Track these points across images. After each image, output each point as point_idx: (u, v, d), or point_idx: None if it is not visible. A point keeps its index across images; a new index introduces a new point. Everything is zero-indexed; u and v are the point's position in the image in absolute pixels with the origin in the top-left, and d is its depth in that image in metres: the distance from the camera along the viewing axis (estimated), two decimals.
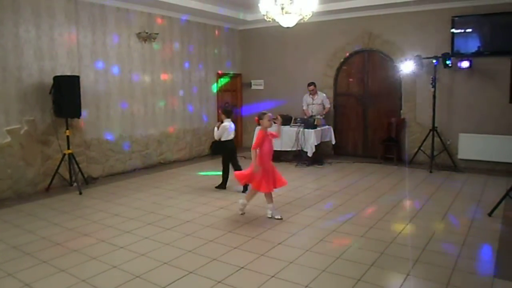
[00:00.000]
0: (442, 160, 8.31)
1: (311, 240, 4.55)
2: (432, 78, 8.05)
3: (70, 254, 4.26)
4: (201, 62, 10.11)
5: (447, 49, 8.11)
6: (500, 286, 3.48)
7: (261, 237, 4.67)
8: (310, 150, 8.49)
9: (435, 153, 8.16)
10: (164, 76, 9.08)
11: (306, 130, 8.52)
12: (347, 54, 9.60)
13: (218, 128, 6.92)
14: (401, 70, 8.65)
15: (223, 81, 10.96)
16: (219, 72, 10.72)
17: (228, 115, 6.99)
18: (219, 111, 7.03)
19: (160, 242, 4.56)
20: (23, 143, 6.59)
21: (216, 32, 10.53)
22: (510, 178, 7.13)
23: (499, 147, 7.87)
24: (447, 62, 7.90)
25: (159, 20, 8.85)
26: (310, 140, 8.44)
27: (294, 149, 8.73)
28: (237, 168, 6.80)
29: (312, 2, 6.28)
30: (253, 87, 11.26)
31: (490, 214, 5.27)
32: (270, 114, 5.52)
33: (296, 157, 8.92)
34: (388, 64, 9.16)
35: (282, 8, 6.15)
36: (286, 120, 9.23)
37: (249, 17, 10.29)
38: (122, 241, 4.58)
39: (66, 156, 6.87)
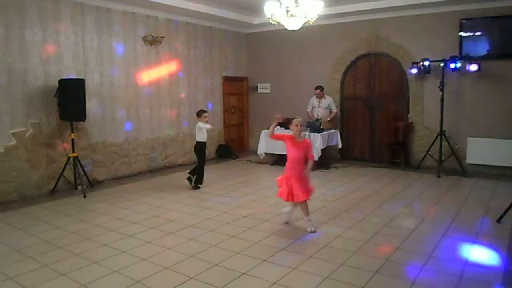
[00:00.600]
0: (450, 164, 8.20)
1: (316, 245, 4.48)
2: (440, 81, 7.95)
3: (72, 258, 4.23)
4: (207, 65, 10.10)
5: (455, 52, 8.01)
6: None
7: (264, 243, 4.60)
8: (316, 154, 8.39)
9: (443, 157, 8.05)
10: (169, 80, 9.07)
11: (312, 134, 8.45)
12: (354, 57, 9.53)
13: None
14: (409, 73, 8.56)
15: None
16: (225, 75, 10.70)
17: (198, 116, 7.27)
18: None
19: (162, 246, 4.51)
20: (28, 146, 6.61)
21: (222, 36, 10.51)
22: None
23: (509, 152, 7.73)
24: (455, 65, 7.80)
25: (165, 24, 8.84)
26: (316, 144, 8.36)
27: None
28: (198, 170, 7.26)
29: (317, 5, 6.24)
30: (260, 90, 11.23)
31: (498, 221, 5.16)
32: (299, 119, 5.00)
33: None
34: (395, 68, 9.07)
35: (287, 11, 6.12)
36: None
37: (256, 20, 10.27)
38: (124, 246, 4.55)
39: (71, 160, 6.87)
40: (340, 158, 9.73)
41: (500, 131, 7.86)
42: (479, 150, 8.06)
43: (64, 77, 6.87)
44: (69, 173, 7.02)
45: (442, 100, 7.98)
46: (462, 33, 8.03)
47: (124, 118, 8.16)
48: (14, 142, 6.43)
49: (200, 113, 7.24)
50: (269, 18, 6.37)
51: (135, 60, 8.28)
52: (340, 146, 9.24)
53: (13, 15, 6.32)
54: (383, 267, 3.91)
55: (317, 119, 8.93)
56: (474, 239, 4.63)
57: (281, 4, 6.21)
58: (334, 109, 9.27)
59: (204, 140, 7.21)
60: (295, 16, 6.14)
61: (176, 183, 7.63)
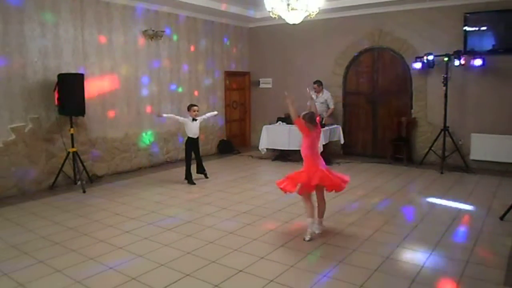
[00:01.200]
0: (454, 160, 8.09)
1: (315, 242, 4.42)
2: (443, 76, 7.84)
3: (68, 254, 4.19)
4: (209, 60, 10.03)
5: (460, 47, 7.88)
6: None
7: (263, 239, 4.55)
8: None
9: (446, 153, 7.95)
10: (170, 75, 9.01)
11: None
12: (357, 52, 9.42)
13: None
14: (412, 68, 8.46)
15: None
16: (227, 70, 10.62)
17: (188, 110, 7.26)
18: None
19: (159, 243, 4.47)
20: (27, 141, 6.58)
21: (224, 30, 10.43)
22: None
23: None
24: (458, 61, 7.69)
25: (165, 18, 8.77)
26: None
27: None
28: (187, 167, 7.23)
29: None
30: (262, 85, 11.14)
31: (502, 218, 5.07)
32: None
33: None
34: (398, 62, 8.96)
35: (288, 5, 6.02)
36: None
37: (258, 14, 10.17)
38: (121, 242, 4.51)
39: (71, 155, 6.83)
40: (342, 153, 9.65)
41: (504, 127, 7.74)
42: (483, 146, 7.95)
43: (64, 71, 6.81)
44: (68, 168, 6.98)
45: (446, 95, 7.86)
46: (466, 27, 7.90)
47: (125, 113, 8.10)
48: (13, 137, 6.40)
49: (189, 107, 7.22)
50: (269, 11, 6.28)
51: (136, 54, 8.22)
52: (342, 141, 9.16)
53: (12, 10, 6.26)
54: (382, 265, 3.85)
55: (319, 114, 8.84)
56: (476, 237, 4.55)
57: None
58: (331, 106, 9.17)
59: (191, 135, 7.16)
60: (296, 9, 6.04)
61: (177, 178, 7.57)
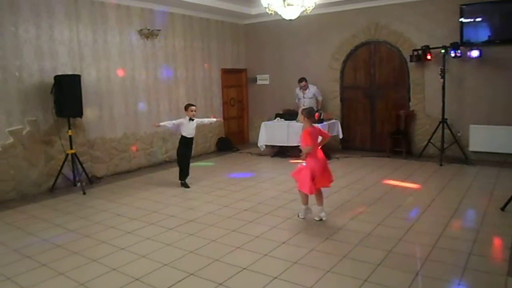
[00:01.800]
0: (453, 152, 8.11)
1: (317, 237, 4.42)
2: (441, 68, 7.84)
3: (70, 257, 4.18)
4: (205, 58, 9.99)
5: (456, 39, 7.88)
6: None
7: (265, 236, 4.54)
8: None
9: (445, 145, 7.96)
10: (167, 73, 8.97)
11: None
12: (353, 46, 9.40)
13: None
14: (409, 61, 8.46)
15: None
16: (224, 67, 10.59)
17: (185, 110, 7.05)
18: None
19: (162, 242, 4.46)
20: (25, 143, 6.54)
21: (219, 27, 10.39)
22: None
23: None
24: (455, 52, 7.69)
25: (160, 17, 8.72)
26: None
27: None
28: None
29: None
30: (259, 82, 11.12)
31: (503, 209, 5.08)
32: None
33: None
34: (395, 55, 8.95)
35: (284, 0, 6.00)
36: (292, 115, 9.10)
37: (253, 11, 10.14)
38: (123, 242, 4.49)
39: (70, 156, 6.80)
40: (341, 148, 9.65)
41: (503, 118, 7.76)
42: (482, 138, 7.96)
43: (60, 73, 6.78)
44: (68, 170, 6.95)
45: (443, 87, 7.87)
46: (462, 19, 7.89)
47: (122, 113, 8.07)
48: (11, 140, 6.37)
49: (186, 107, 6.97)
50: (265, 7, 6.27)
51: (132, 54, 8.18)
52: (341, 136, 9.16)
53: (5, 12, 6.21)
54: (386, 259, 3.85)
55: (318, 110, 8.83)
56: (478, 229, 4.56)
57: None
58: (320, 98, 9.20)
59: (186, 135, 6.87)
60: (292, 5, 6.04)
61: (176, 177, 7.52)
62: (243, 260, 3.92)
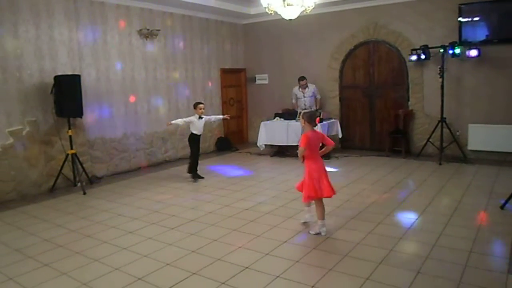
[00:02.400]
0: (452, 151, 8.14)
1: (319, 237, 4.44)
2: (439, 68, 7.86)
3: (72, 257, 4.18)
4: (204, 57, 10.00)
5: (455, 38, 7.91)
6: None
7: (267, 235, 4.56)
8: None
9: (444, 144, 7.99)
10: (167, 73, 8.98)
11: None
12: (352, 46, 9.42)
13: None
14: (408, 60, 8.49)
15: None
16: (223, 67, 10.60)
17: (194, 108, 7.40)
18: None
19: (163, 242, 4.47)
20: (25, 144, 6.54)
21: (219, 27, 10.40)
22: None
23: (511, 137, 7.67)
24: (456, 52, 7.72)
25: (160, 17, 8.73)
26: None
27: None
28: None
29: None
30: (258, 81, 11.13)
31: (502, 207, 5.11)
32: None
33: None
34: (394, 55, 8.98)
35: (284, 0, 6.01)
36: (291, 115, 9.12)
37: (252, 10, 10.15)
38: (125, 242, 4.50)
39: (70, 156, 6.80)
40: (340, 147, 9.67)
41: (501, 117, 7.79)
42: (481, 136, 7.99)
43: (60, 73, 6.78)
44: (68, 170, 6.95)
45: (442, 86, 7.89)
46: (461, 19, 7.92)
47: (122, 113, 8.07)
48: (11, 140, 6.37)
49: (195, 105, 7.30)
50: (265, 7, 6.28)
51: (131, 54, 8.18)
52: (340, 135, 9.18)
53: (5, 12, 6.21)
54: (386, 257, 3.87)
55: (317, 109, 8.86)
56: (478, 227, 4.59)
57: None
58: (318, 97, 9.25)
59: (195, 132, 7.24)
60: (291, 5, 6.05)
61: (177, 177, 7.57)
62: (245, 259, 3.93)
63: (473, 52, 7.72)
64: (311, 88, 9.21)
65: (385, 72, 9.19)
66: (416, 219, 4.92)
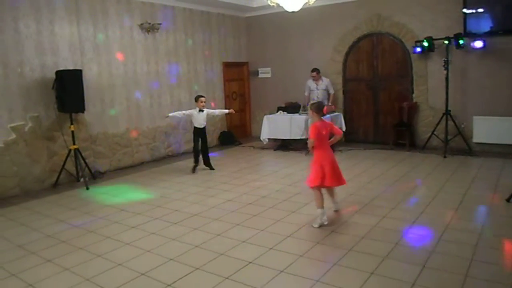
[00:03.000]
0: (457, 144, 8.07)
1: (323, 231, 4.40)
2: (444, 60, 7.77)
3: (75, 252, 4.17)
4: (206, 51, 9.94)
5: (459, 30, 7.81)
6: None
7: (270, 230, 4.53)
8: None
9: (449, 137, 7.92)
10: (169, 67, 8.93)
11: None
12: (356, 38, 9.33)
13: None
14: (412, 52, 8.40)
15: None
16: (225, 61, 10.53)
17: (195, 101, 7.45)
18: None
19: (167, 237, 4.44)
20: (28, 139, 6.52)
21: (221, 21, 10.32)
22: None
23: None
24: (461, 42, 7.63)
25: (161, 10, 8.66)
26: None
27: (304, 137, 8.53)
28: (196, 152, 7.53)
29: None
30: (260, 75, 11.06)
31: (508, 200, 5.05)
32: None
33: (306, 145, 8.73)
34: (398, 47, 8.88)
35: None
36: (294, 108, 9.06)
37: (255, 3, 10.06)
38: (128, 237, 4.48)
39: (72, 152, 6.78)
40: (344, 141, 9.60)
41: (506, 109, 7.70)
42: (486, 129, 7.91)
43: (61, 68, 6.74)
44: (71, 166, 6.93)
45: (447, 78, 7.81)
46: (465, 10, 7.81)
47: (124, 107, 8.04)
48: (13, 136, 6.35)
49: (196, 98, 7.36)
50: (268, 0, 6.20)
51: (133, 48, 8.13)
52: (344, 129, 9.10)
53: (5, 7, 6.17)
54: (392, 251, 3.83)
55: (329, 104, 8.82)
56: (484, 220, 4.54)
57: None
58: (331, 91, 9.17)
59: (197, 125, 7.36)
60: None
61: (180, 171, 7.54)
62: (248, 254, 3.90)
63: (478, 43, 7.63)
64: (325, 81, 9.14)
65: (389, 64, 9.10)
66: (421, 212, 4.87)
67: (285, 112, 9.12)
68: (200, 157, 7.52)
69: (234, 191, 6.14)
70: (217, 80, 10.35)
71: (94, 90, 7.42)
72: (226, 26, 10.51)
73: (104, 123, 7.69)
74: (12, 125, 6.33)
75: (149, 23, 8.27)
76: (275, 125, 8.95)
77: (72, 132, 6.75)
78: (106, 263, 3.87)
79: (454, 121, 7.94)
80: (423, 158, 7.74)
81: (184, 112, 7.45)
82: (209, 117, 7.62)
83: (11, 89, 6.29)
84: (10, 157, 6.32)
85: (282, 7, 6.50)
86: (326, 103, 8.82)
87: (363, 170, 7.02)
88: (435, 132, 8.17)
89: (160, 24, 8.50)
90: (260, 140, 9.17)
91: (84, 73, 6.91)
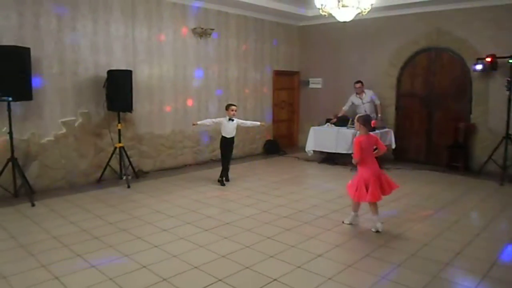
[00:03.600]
0: None
1: (358, 251, 4.16)
2: (507, 80, 7.23)
3: (105, 249, 4.21)
4: (258, 58, 9.91)
5: None
6: None
7: (301, 247, 4.35)
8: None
9: (508, 163, 7.33)
10: (219, 73, 8.98)
11: None
12: (412, 52, 8.93)
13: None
14: (473, 70, 7.90)
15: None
16: (276, 69, 10.46)
17: (226, 110, 7.09)
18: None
19: (195, 243, 4.39)
20: (77, 134, 6.76)
21: (274, 28, 10.27)
22: None
23: None
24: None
25: (215, 16, 8.74)
26: None
27: (350, 152, 8.23)
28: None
29: None
30: (311, 85, 10.88)
31: None
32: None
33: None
34: (457, 63, 8.39)
35: (339, 1, 5.76)
36: (343, 121, 8.79)
37: (310, 12, 9.93)
38: (158, 240, 4.47)
39: (118, 150, 6.95)
40: (393, 159, 9.19)
41: None
42: None
43: (113, 68, 6.94)
44: (115, 163, 7.10)
45: (509, 100, 7.25)
46: None
47: (172, 110, 8.16)
48: (64, 130, 6.60)
49: (227, 107, 7.06)
50: (319, 8, 6.05)
51: (184, 52, 8.25)
52: (393, 146, 8.72)
53: (66, 7, 6.45)
54: (442, 271, 3.56)
55: (377, 116, 8.51)
56: None
57: None
58: (378, 102, 8.82)
59: (225, 135, 7.03)
60: (346, 6, 5.78)
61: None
62: (274, 270, 3.75)
63: None
64: (368, 94, 8.85)
65: (446, 81, 8.61)
66: (467, 244, 4.48)
67: (333, 125, 8.88)
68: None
69: (271, 202, 6.00)
70: (267, 88, 10.29)
71: (144, 91, 7.59)
72: (279, 34, 10.44)
73: (151, 123, 7.83)
74: (63, 119, 6.58)
75: (202, 28, 8.36)
76: (322, 138, 8.72)
77: (119, 130, 6.92)
78: (131, 264, 3.87)
79: None
80: (477, 184, 7.21)
81: (213, 120, 7.21)
82: (242, 127, 7.45)
83: (65, 85, 6.55)
84: (59, 150, 6.57)
85: (334, 17, 6.32)
86: (374, 116, 8.50)
87: (409, 192, 6.61)
88: (492, 157, 7.60)
89: (212, 29, 8.58)
90: (305, 152, 8.97)
91: (135, 74, 7.09)
